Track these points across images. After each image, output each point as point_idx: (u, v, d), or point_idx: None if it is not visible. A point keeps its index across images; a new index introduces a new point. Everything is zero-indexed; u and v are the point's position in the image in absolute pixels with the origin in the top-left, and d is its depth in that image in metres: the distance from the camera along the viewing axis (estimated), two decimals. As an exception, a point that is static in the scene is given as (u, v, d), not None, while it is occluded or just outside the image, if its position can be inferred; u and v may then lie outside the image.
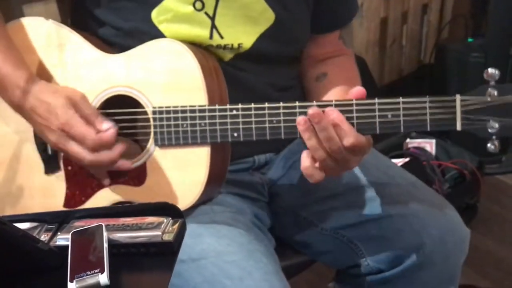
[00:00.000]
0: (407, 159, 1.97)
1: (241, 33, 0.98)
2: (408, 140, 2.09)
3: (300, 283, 1.65)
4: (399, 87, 2.58)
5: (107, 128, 0.87)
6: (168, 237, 0.63)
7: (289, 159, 1.11)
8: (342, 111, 0.86)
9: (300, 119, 0.85)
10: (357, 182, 1.06)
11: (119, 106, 0.95)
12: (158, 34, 0.96)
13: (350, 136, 0.84)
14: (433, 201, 1.04)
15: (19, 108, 0.91)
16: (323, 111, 0.85)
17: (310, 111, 0.84)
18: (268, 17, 0.98)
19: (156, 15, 0.96)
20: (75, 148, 0.87)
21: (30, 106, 0.89)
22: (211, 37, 0.97)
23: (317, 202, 1.07)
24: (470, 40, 2.38)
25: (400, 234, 1.00)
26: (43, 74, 0.95)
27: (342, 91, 1.00)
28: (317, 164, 0.87)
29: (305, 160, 0.87)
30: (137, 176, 0.94)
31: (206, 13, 0.95)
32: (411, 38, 2.63)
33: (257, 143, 0.92)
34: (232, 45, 0.98)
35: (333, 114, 0.84)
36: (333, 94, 1.01)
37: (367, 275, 1.04)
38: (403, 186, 1.05)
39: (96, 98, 0.95)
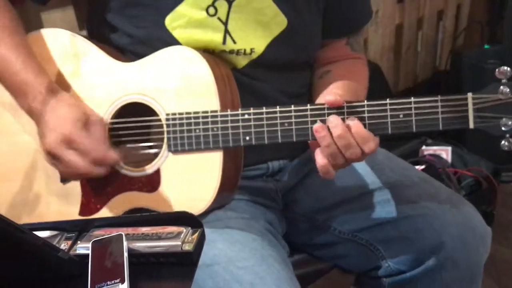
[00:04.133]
0: (423, 166, 1.96)
1: (253, 38, 0.98)
2: (423, 147, 2.08)
3: (315, 291, 1.64)
4: (413, 94, 2.55)
5: (114, 155, 0.91)
6: (188, 247, 0.63)
7: (304, 166, 1.11)
8: (353, 112, 0.86)
9: (317, 126, 0.86)
10: (372, 185, 1.06)
11: (133, 113, 0.96)
12: (172, 40, 0.96)
13: (370, 142, 0.85)
14: (452, 200, 1.03)
15: (36, 112, 0.92)
16: (342, 118, 0.85)
17: (331, 118, 0.85)
18: (280, 22, 0.99)
19: (169, 21, 0.96)
20: (73, 158, 0.89)
21: (45, 111, 0.90)
22: (224, 42, 0.97)
23: (333, 206, 1.07)
24: (486, 46, 2.36)
25: (420, 234, 0.99)
26: (60, 83, 0.96)
27: (343, 84, 1.00)
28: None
29: (322, 159, 0.87)
30: (151, 183, 0.95)
31: (219, 19, 0.96)
32: (426, 45, 2.62)
33: (271, 149, 0.93)
34: (244, 50, 0.98)
35: (352, 121, 0.85)
36: (332, 86, 1.00)
37: (387, 276, 1.04)
38: (420, 186, 1.05)
39: (111, 106, 0.96)
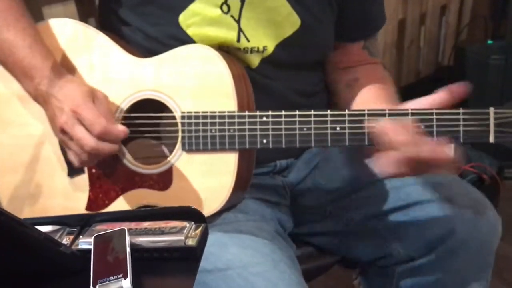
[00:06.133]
0: (425, 162, 1.95)
1: (263, 36, 0.97)
2: (426, 143, 2.07)
3: (317, 287, 1.64)
4: (416, 89, 2.54)
5: (120, 127, 0.88)
6: (191, 242, 0.62)
7: (311, 161, 1.10)
8: (373, 120, 0.85)
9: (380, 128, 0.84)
10: None
11: (148, 110, 0.94)
12: (187, 38, 0.95)
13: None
14: (463, 188, 1.03)
15: (41, 95, 0.91)
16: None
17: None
18: (293, 21, 0.98)
19: (183, 19, 0.95)
20: (81, 132, 0.87)
21: (51, 92, 0.90)
22: (238, 40, 0.96)
23: (342, 196, 1.07)
24: (489, 42, 2.36)
25: (431, 220, 0.99)
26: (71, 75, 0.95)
27: (377, 99, 0.99)
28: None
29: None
30: (163, 181, 0.94)
31: (232, 16, 0.95)
32: (429, 40, 2.61)
33: (280, 148, 0.91)
34: (258, 48, 0.97)
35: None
36: (368, 100, 1.00)
37: (397, 264, 1.04)
38: (431, 174, 1.04)
39: (124, 101, 0.94)
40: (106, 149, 0.88)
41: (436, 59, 2.72)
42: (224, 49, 0.96)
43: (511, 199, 2.13)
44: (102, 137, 0.87)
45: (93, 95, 0.90)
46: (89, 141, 0.86)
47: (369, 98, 1.01)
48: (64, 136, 0.90)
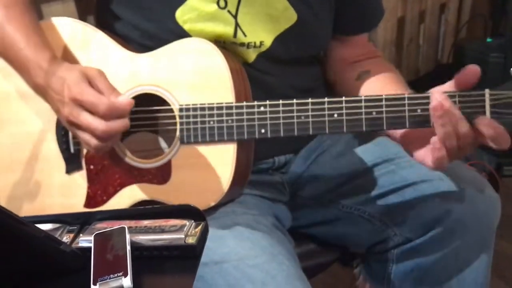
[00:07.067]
0: (424, 160, 1.95)
1: (261, 31, 0.98)
2: (425, 140, 2.07)
3: (316, 285, 1.64)
4: (416, 87, 2.55)
5: (123, 99, 0.84)
6: (191, 240, 0.62)
7: (309, 156, 1.11)
8: (371, 106, 0.86)
9: (436, 104, 0.82)
10: (377, 159, 1.06)
11: (146, 104, 0.94)
12: (183, 34, 0.96)
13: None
14: (458, 166, 1.03)
15: (40, 88, 0.91)
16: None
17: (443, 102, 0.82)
18: (289, 16, 0.98)
19: (180, 14, 0.95)
20: (88, 119, 0.83)
21: (48, 84, 0.89)
22: (235, 35, 0.96)
23: (339, 185, 1.08)
24: (489, 40, 2.35)
25: (426, 201, 0.99)
26: None
27: (395, 85, 1.00)
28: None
29: (440, 150, 0.83)
30: (162, 174, 0.94)
31: (229, 11, 0.95)
32: (428, 38, 2.61)
33: (277, 144, 0.92)
34: (254, 43, 0.98)
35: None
36: (385, 88, 1.00)
37: (395, 247, 1.04)
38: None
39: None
40: (117, 126, 0.83)
41: (435, 57, 2.72)
42: (220, 43, 0.96)
43: (510, 197, 2.14)
44: (109, 115, 0.83)
45: (87, 76, 0.87)
46: (98, 125, 0.83)
47: (385, 85, 1.01)
48: (73, 128, 0.87)
